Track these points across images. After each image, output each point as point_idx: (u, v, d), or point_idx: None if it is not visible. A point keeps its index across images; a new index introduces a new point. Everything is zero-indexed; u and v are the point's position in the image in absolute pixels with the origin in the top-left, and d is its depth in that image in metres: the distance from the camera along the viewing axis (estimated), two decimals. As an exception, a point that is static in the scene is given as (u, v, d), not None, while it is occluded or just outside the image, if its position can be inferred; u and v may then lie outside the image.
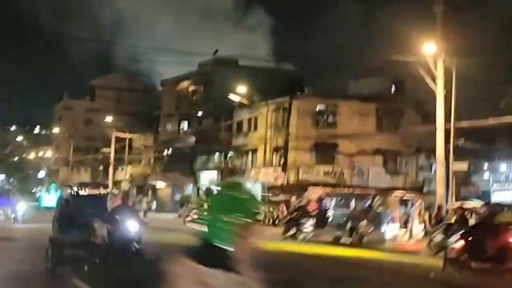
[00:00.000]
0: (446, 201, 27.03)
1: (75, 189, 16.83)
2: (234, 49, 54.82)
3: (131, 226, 12.67)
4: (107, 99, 76.01)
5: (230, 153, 47.76)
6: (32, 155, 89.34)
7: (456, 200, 30.09)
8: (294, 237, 23.18)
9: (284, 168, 39.82)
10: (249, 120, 44.83)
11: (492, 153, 37.13)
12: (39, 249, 13.54)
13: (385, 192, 26.78)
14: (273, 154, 41.95)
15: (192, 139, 52.72)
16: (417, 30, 27.01)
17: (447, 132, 27.09)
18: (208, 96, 52.85)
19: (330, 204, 26.93)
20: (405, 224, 22.99)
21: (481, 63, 26.67)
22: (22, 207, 29.03)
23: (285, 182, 39.08)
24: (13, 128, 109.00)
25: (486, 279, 14.25)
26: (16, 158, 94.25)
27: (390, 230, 22.18)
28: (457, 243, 15.94)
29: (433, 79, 25.98)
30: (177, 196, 51.62)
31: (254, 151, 44.26)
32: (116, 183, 61.02)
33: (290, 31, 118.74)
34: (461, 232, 16.33)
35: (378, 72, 39.78)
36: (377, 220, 22.45)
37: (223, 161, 48.45)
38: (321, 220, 24.21)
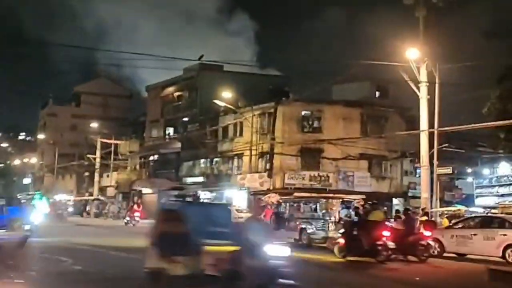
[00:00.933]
0: (431, 205, 27.22)
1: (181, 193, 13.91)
2: (218, 54, 54.87)
3: (273, 250, 9.08)
4: (92, 105, 75.71)
5: (216, 159, 47.70)
6: (17, 162, 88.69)
7: (440, 203, 30.35)
8: None
9: (270, 173, 39.85)
10: (235, 125, 44.82)
11: (475, 157, 37.43)
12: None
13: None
14: (258, 159, 41.95)
15: (178, 144, 52.59)
16: (400, 35, 27.23)
17: (431, 137, 27.29)
18: (193, 102, 52.79)
19: (285, 208, 27.82)
20: None
21: (464, 67, 26.87)
22: (37, 217, 24.94)
23: (271, 187, 39.09)
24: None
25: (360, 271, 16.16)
26: (0, 165, 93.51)
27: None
28: (339, 239, 18.86)
29: (417, 83, 26.15)
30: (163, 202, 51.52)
31: (240, 156, 44.23)
32: (102, 190, 60.74)
33: (274, 37, 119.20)
34: (341, 231, 19.22)
35: (361, 77, 39.99)
36: (322, 222, 24.25)
37: (209, 167, 48.38)
38: (278, 224, 25.50)
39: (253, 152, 41.76)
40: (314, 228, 24.34)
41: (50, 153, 74.66)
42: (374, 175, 40.65)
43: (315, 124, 40.93)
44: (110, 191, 60.56)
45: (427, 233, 19.71)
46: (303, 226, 24.72)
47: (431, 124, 27.02)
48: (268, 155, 40.68)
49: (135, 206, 42.73)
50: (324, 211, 24.96)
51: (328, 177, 38.92)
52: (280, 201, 30.24)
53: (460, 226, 21.32)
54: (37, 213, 26.39)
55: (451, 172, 30.30)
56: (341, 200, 26.43)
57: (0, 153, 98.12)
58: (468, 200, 37.34)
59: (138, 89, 73.77)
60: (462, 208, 33.36)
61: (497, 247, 18.82)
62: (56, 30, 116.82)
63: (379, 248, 17.70)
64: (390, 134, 37.71)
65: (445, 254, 20.46)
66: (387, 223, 19.94)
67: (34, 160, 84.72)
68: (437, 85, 26.92)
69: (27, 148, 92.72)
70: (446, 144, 32.80)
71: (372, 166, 40.71)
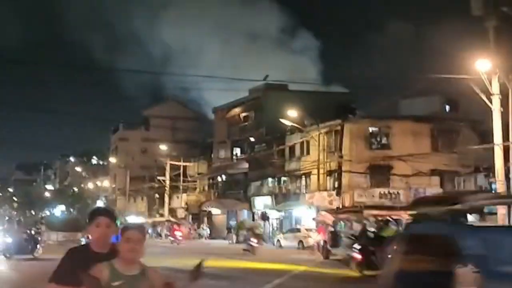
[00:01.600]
0: (508, 221, 26.19)
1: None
2: (282, 74, 55.07)
3: None
4: (161, 128, 77.40)
5: (284, 178, 47.68)
6: (90, 185, 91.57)
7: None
8: None
9: (339, 191, 39.46)
10: (301, 144, 44.76)
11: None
12: None
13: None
14: (326, 177, 41.68)
15: (245, 165, 52.97)
16: (469, 47, 26.55)
17: (506, 150, 26.36)
18: (259, 122, 53.14)
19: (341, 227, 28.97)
20: None
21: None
22: None
23: (340, 205, 38.68)
24: (72, 159, 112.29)
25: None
26: (75, 189, 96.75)
27: None
28: (355, 254, 20.07)
29: (488, 96, 25.39)
30: (232, 222, 51.86)
31: (308, 175, 44.07)
32: (172, 211, 61.79)
33: (339, 53, 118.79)
34: (358, 246, 20.29)
35: (430, 91, 39.19)
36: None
37: (277, 186, 48.42)
38: (334, 241, 27.06)
39: (321, 171, 41.53)
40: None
41: (122, 176, 76.73)
42: (447, 191, 39.53)
43: (383, 141, 40.35)
44: (180, 213, 61.50)
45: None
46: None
47: (505, 137, 26.11)
48: (336, 173, 40.33)
49: (175, 226, 45.53)
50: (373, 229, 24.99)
51: (398, 194, 38.16)
52: (337, 220, 30.65)
53: None
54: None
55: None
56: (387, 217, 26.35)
57: (75, 178, 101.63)
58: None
59: (205, 111, 75.01)
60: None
61: None
62: (124, 57, 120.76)
63: None
64: (462, 148, 36.68)
65: None
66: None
67: (106, 183, 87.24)
68: (510, 96, 26.04)
69: (100, 172, 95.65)
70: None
71: (444, 182, 39.64)
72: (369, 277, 18.22)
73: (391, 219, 24.63)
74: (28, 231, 29.28)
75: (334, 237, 27.19)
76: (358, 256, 19.63)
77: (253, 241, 31.90)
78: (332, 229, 28.75)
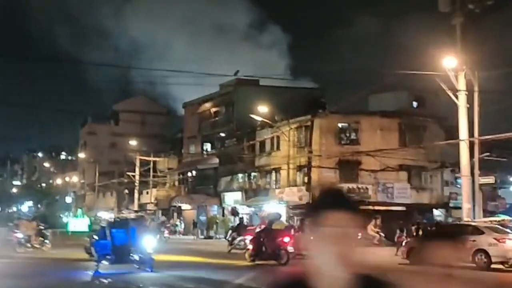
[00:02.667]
0: (473, 216, 26.64)
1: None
2: (252, 69, 55.15)
3: None
4: (130, 122, 76.70)
5: (254, 173, 47.73)
6: (59, 181, 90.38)
7: (484, 214, 29.65)
8: None
9: (308, 186, 39.65)
10: (272, 139, 44.81)
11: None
12: None
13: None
14: (296, 173, 41.82)
15: (216, 160, 52.83)
16: (437, 44, 26.88)
17: (471, 146, 26.77)
18: (230, 117, 53.06)
19: None
20: None
21: (503, 74, 26.35)
22: (150, 242, 20.00)
23: (310, 200, 38.84)
24: (40, 154, 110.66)
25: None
26: (43, 184, 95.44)
27: None
28: (248, 245, 22.35)
29: (455, 92, 25.74)
30: (203, 217, 51.74)
31: (278, 170, 44.17)
32: (142, 206, 61.34)
33: (307, 48, 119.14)
34: (250, 238, 22.76)
35: (398, 87, 39.58)
36: None
37: (247, 181, 48.44)
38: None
39: (291, 166, 41.65)
40: None
41: (91, 172, 75.86)
42: (414, 186, 40.06)
43: (353, 136, 40.63)
44: (150, 208, 61.13)
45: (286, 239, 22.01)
46: None
47: (471, 133, 26.52)
48: (306, 169, 40.51)
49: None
50: None
51: (367, 189, 38.51)
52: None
53: None
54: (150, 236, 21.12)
55: (493, 181, 29.65)
56: None
57: (43, 173, 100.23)
58: (511, 209, 36.45)
59: (175, 106, 74.64)
60: (507, 218, 32.54)
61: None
62: (91, 50, 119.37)
63: (281, 252, 20.93)
64: (429, 144, 37.17)
65: None
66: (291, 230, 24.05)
67: (75, 178, 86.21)
68: (476, 93, 26.46)
69: (69, 167, 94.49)
70: (488, 153, 32.07)
71: (411, 177, 40.12)
72: (259, 265, 20.22)
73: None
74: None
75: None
76: (250, 247, 21.71)
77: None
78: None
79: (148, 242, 19.48)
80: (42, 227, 30.49)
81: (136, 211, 45.99)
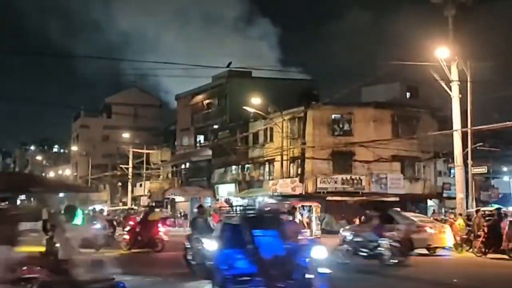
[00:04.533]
0: (467, 205, 26.80)
1: None
2: (244, 61, 55.09)
3: None
4: (123, 115, 76.49)
5: (247, 165, 47.74)
6: (51, 174, 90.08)
7: (477, 203, 29.83)
8: None
9: (302, 178, 39.73)
10: (265, 131, 44.82)
11: (511, 156, 36.76)
12: None
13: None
14: (290, 164, 41.85)
15: (209, 152, 52.80)
16: (429, 35, 26.94)
17: (464, 136, 26.89)
18: (223, 109, 53.00)
19: None
20: (308, 225, 26.37)
21: (496, 64, 26.47)
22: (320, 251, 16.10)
23: (303, 192, 38.96)
24: (32, 148, 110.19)
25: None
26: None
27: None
28: (125, 235, 23.21)
29: (448, 83, 25.82)
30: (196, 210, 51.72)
31: (271, 162, 44.20)
32: (135, 199, 61.30)
33: (299, 40, 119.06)
34: (127, 228, 23.48)
35: (391, 78, 39.63)
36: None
37: (241, 173, 48.45)
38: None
39: (284, 157, 41.67)
40: None
41: (84, 165, 75.72)
42: (407, 176, 40.19)
43: (346, 127, 40.68)
44: (144, 200, 61.07)
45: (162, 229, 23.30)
46: None
47: (463, 124, 26.64)
48: (299, 160, 40.56)
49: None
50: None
51: (360, 180, 38.61)
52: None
53: None
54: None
55: (486, 171, 29.82)
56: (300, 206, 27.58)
57: (36, 166, 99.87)
58: (505, 199, 36.70)
59: (167, 98, 74.45)
60: (500, 207, 32.77)
61: None
62: (82, 43, 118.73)
63: (156, 241, 22.49)
64: (422, 134, 37.29)
65: None
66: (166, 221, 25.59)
67: (68, 171, 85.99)
68: (468, 83, 26.55)
69: (61, 160, 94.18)
70: (481, 143, 32.27)
71: (405, 168, 40.25)
72: (135, 253, 21.57)
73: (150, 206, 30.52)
74: None
75: None
76: (127, 237, 22.87)
77: None
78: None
79: (319, 252, 11.25)
80: None
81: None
